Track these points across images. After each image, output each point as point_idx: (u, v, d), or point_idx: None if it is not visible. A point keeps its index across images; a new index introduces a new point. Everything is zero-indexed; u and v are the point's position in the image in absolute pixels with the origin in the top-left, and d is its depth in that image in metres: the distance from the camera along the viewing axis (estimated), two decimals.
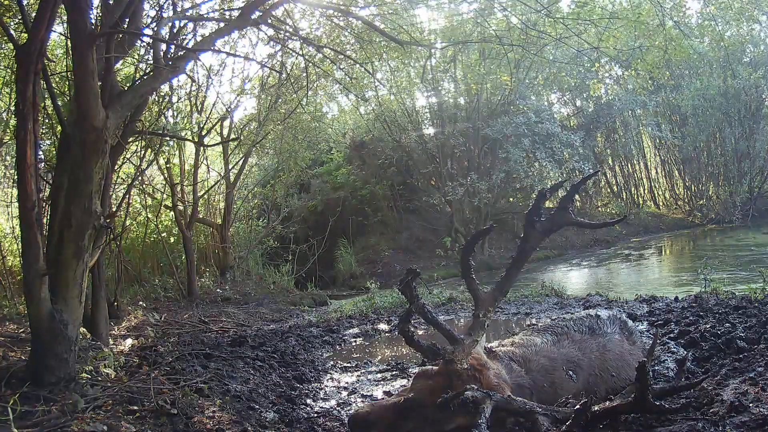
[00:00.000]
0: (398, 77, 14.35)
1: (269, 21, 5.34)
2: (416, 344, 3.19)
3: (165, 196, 9.08)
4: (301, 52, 7.81)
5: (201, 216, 10.22)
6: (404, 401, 2.95)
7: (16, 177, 4.05)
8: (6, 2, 5.08)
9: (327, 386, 4.33)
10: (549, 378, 3.25)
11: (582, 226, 3.92)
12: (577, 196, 17.32)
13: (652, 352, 3.41)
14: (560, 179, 16.08)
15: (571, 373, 3.31)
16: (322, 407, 3.79)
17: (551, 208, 3.65)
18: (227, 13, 6.57)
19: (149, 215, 9.43)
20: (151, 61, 4.96)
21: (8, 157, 7.80)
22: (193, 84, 8.61)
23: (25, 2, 4.68)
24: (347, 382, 4.41)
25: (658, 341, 4.48)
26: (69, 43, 3.57)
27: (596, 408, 2.79)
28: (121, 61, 5.77)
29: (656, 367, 3.85)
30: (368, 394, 4.07)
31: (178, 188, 9.02)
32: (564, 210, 3.42)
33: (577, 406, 2.70)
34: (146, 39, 5.13)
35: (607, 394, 3.35)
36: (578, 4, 9.01)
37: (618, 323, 3.76)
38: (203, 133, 9.16)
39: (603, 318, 3.72)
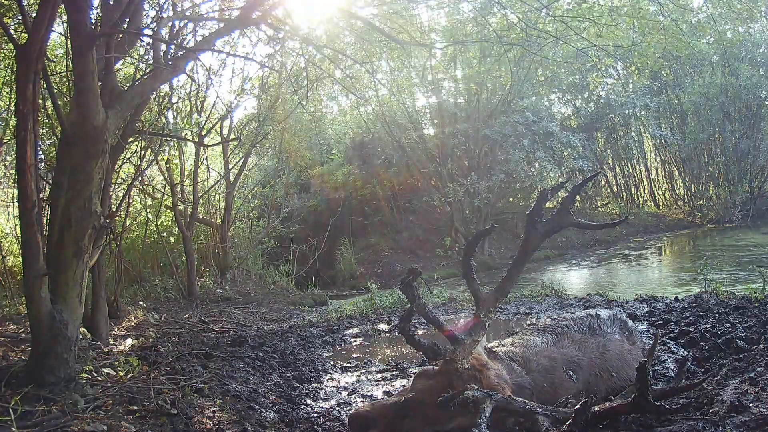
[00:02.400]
0: (398, 77, 14.36)
1: (269, 21, 5.34)
2: (417, 343, 3.19)
3: (165, 196, 9.08)
4: (301, 52, 7.81)
5: (201, 216, 10.21)
6: (404, 400, 2.95)
7: (16, 177, 4.05)
8: (6, 2, 5.08)
9: (327, 386, 4.32)
10: (549, 378, 3.24)
11: (583, 227, 3.92)
12: (576, 196, 17.26)
13: (652, 353, 3.41)
14: (560, 179, 16.10)
15: (571, 373, 3.31)
16: (322, 407, 3.79)
17: (552, 208, 3.64)
18: (227, 13, 6.57)
19: (149, 215, 9.42)
20: (151, 61, 4.96)
21: (8, 157, 7.80)
22: (193, 84, 8.61)
23: (25, 2, 4.68)
24: (347, 382, 4.41)
25: (658, 341, 4.49)
26: (69, 43, 3.57)
27: (596, 408, 2.79)
28: (121, 61, 5.77)
29: (656, 367, 3.85)
30: (368, 394, 4.07)
31: (178, 188, 9.02)
32: (565, 211, 3.41)
33: (577, 407, 2.70)
34: (146, 39, 5.14)
35: (607, 394, 3.35)
36: (577, 2, 9.01)
37: (618, 323, 3.76)
38: (203, 133, 9.16)
39: (603, 318, 3.72)
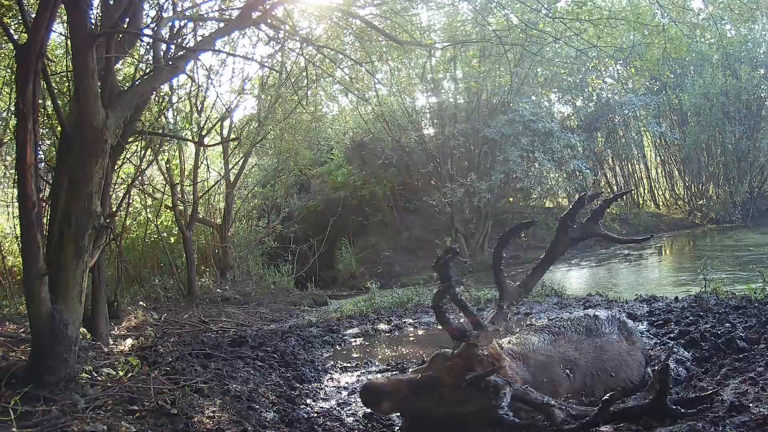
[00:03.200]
0: (398, 77, 14.35)
1: (269, 21, 5.34)
2: (446, 321, 3.20)
3: (165, 196, 9.08)
4: (301, 52, 7.81)
5: (201, 216, 10.21)
6: (422, 378, 2.94)
7: (16, 177, 4.05)
8: (6, 2, 5.08)
9: (327, 386, 4.33)
10: (547, 374, 3.26)
11: (609, 240, 4.04)
12: (577, 196, 17.30)
13: (666, 365, 3.36)
14: (560, 180, 16.13)
15: (567, 371, 3.31)
16: (322, 407, 3.79)
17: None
18: (227, 13, 6.57)
19: (149, 215, 9.43)
20: (151, 61, 4.96)
21: (8, 157, 7.80)
22: (193, 84, 8.61)
23: (25, 2, 4.68)
24: (347, 382, 4.41)
25: (658, 340, 4.50)
26: (69, 43, 3.57)
27: (614, 408, 2.80)
28: (121, 61, 5.77)
29: (656, 368, 3.84)
30: None
31: (178, 188, 9.02)
32: (595, 221, 3.59)
33: (605, 398, 2.72)
34: (146, 39, 5.14)
35: (605, 394, 3.35)
36: (576, 4, 9.02)
37: (616, 323, 3.76)
38: (203, 133, 9.16)
39: (601, 318, 3.73)
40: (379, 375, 3.89)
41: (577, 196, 3.73)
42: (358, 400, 3.94)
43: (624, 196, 18.80)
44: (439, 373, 2.96)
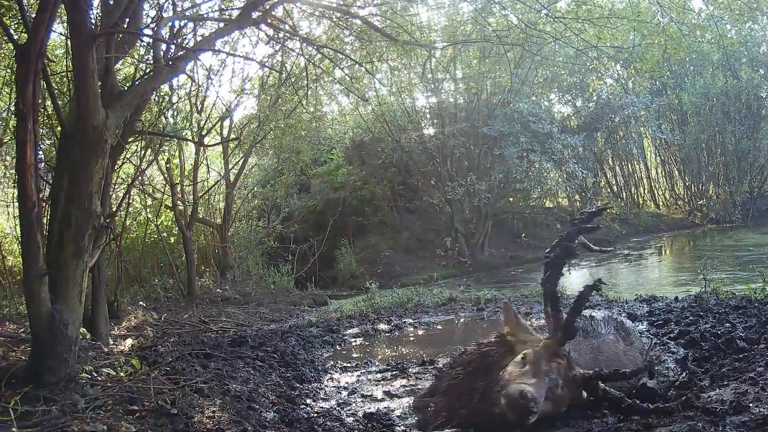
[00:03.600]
0: (398, 77, 14.34)
1: (269, 21, 5.34)
2: (558, 319, 3.22)
3: (165, 196, 9.08)
4: (301, 52, 7.81)
5: (201, 216, 10.21)
6: (548, 381, 2.94)
7: (16, 177, 4.05)
8: (6, 2, 5.08)
9: (327, 386, 4.32)
10: None
11: (585, 248, 4.18)
12: (577, 196, 17.37)
13: (648, 353, 3.46)
14: (560, 180, 16.14)
15: None
16: (322, 407, 3.78)
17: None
18: (227, 13, 6.57)
19: (149, 215, 9.43)
20: (151, 61, 4.96)
21: (8, 157, 7.80)
22: (193, 84, 8.60)
23: (25, 2, 4.68)
24: (347, 382, 4.41)
25: (658, 341, 4.50)
26: (69, 43, 3.57)
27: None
28: (121, 61, 5.77)
29: (656, 367, 3.85)
30: (368, 394, 4.06)
31: (178, 188, 9.02)
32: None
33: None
34: (146, 39, 5.14)
35: None
36: (576, 3, 9.02)
37: (613, 324, 3.77)
38: (203, 133, 9.16)
39: (597, 319, 3.74)
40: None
41: (590, 207, 3.85)
42: (359, 399, 3.94)
43: (623, 198, 18.87)
44: (556, 372, 2.99)
